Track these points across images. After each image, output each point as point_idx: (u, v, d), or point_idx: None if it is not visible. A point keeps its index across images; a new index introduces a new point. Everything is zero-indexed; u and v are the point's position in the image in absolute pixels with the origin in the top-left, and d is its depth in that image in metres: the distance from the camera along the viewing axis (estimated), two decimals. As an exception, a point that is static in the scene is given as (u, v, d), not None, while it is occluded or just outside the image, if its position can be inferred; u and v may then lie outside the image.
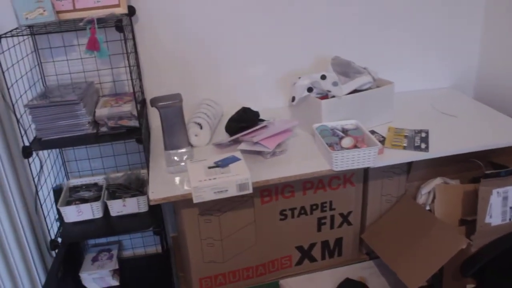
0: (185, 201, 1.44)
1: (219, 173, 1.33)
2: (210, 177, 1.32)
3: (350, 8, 1.85)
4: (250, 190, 1.34)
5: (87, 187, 1.72)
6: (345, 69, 1.72)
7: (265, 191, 1.53)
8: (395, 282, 1.69)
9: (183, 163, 1.44)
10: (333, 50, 1.90)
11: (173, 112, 1.40)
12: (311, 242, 1.69)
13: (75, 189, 1.72)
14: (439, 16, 1.94)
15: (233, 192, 1.32)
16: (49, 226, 1.67)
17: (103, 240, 1.93)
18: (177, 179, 1.41)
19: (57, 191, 1.71)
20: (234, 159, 1.40)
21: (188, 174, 1.35)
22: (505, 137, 1.57)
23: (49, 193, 1.74)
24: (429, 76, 2.05)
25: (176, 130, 1.40)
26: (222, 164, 1.38)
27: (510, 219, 1.50)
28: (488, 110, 1.82)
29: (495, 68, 1.96)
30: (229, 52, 1.81)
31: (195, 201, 1.31)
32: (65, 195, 1.67)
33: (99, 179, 1.76)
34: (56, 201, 1.68)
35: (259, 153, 1.52)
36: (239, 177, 1.31)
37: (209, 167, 1.37)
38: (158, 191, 1.36)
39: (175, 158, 1.43)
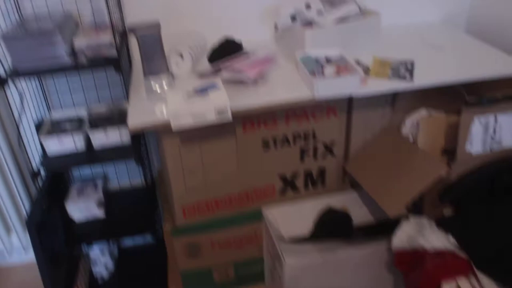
0: (166, 130, 1.44)
1: (198, 100, 1.32)
2: (189, 104, 1.31)
3: None
4: (229, 117, 1.33)
5: (70, 120, 1.71)
6: (330, -3, 1.68)
7: (247, 120, 1.53)
8: (376, 211, 1.72)
9: (162, 91, 1.42)
10: (319, -21, 1.84)
11: (152, 39, 1.38)
12: (294, 172, 1.70)
13: (57, 122, 1.71)
14: None
15: (211, 118, 1.31)
16: (32, 157, 1.66)
17: (88, 173, 1.94)
18: (156, 107, 1.40)
19: (39, 125, 1.70)
20: (214, 86, 1.38)
21: (167, 102, 1.34)
22: (491, 69, 1.54)
23: (29, 125, 1.73)
24: (419, 9, 2.00)
25: (155, 57, 1.38)
26: (201, 91, 1.36)
27: (490, 149, 1.51)
28: (479, 43, 1.79)
29: (489, 1, 1.92)
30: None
31: (174, 128, 1.31)
32: (47, 127, 1.66)
33: (82, 112, 1.75)
34: (38, 134, 1.67)
35: (241, 83, 1.51)
36: (218, 102, 1.30)
37: (188, 95, 1.35)
38: (137, 119, 1.35)
39: (155, 85, 1.42)
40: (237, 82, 1.51)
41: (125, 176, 1.97)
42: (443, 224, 1.48)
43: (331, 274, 1.60)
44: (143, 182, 1.98)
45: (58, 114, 1.74)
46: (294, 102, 1.43)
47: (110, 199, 1.89)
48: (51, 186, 1.72)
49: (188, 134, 1.48)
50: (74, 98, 1.80)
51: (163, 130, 1.43)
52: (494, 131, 1.47)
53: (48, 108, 1.79)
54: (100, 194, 1.80)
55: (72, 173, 1.93)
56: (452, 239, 1.42)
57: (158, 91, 1.42)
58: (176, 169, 1.54)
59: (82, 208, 1.78)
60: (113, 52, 1.43)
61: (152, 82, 1.42)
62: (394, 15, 1.99)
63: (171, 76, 1.48)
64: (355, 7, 1.63)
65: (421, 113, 1.64)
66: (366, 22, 1.66)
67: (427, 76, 1.53)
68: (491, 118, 1.45)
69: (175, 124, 1.29)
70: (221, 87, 1.37)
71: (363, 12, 1.68)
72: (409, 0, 1.98)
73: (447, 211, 1.55)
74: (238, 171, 1.62)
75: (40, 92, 1.76)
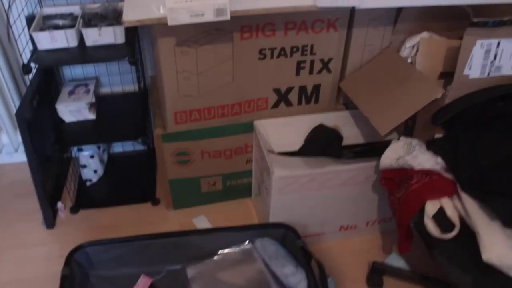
0: (162, 30, 1.40)
1: (197, -2, 1.27)
2: (187, 1, 1.26)
3: None
4: (228, 17, 1.29)
5: (62, 16, 1.65)
6: None
7: (245, 26, 1.49)
8: (368, 132, 1.72)
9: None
10: None
11: None
12: (288, 86, 1.68)
13: (49, 17, 1.65)
14: None
15: (209, 16, 1.27)
16: (21, 51, 1.62)
17: (80, 75, 1.90)
18: (153, 4, 1.35)
19: (30, 19, 1.65)
20: (214, -15, 1.33)
21: (164, -2, 1.29)
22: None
23: (20, 19, 1.66)
24: None
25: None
26: (201, -12, 1.31)
27: (488, 74, 1.49)
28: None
29: None
30: None
31: (170, 23, 1.27)
32: (38, 22, 1.61)
33: (75, 9, 1.68)
34: (29, 28, 1.62)
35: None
36: (218, 1, 1.26)
37: (187, -9, 1.30)
38: (133, 14, 1.31)
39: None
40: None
41: (118, 80, 1.94)
42: (432, 146, 1.48)
43: (317, 189, 1.62)
44: (135, 88, 1.96)
45: (50, 10, 1.68)
46: (295, 8, 1.38)
47: (102, 103, 1.87)
48: (41, 84, 1.69)
49: (185, 37, 1.44)
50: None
51: (159, 28, 1.39)
52: (495, 56, 1.45)
53: (40, 4, 1.72)
54: (92, 97, 1.78)
55: (63, 74, 1.90)
56: (440, 160, 1.43)
57: (155, -13, 1.36)
58: (170, 72, 1.51)
59: (73, 109, 1.76)
60: None
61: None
62: None
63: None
64: None
65: (422, 35, 1.61)
66: None
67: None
68: (494, 43, 1.42)
69: (171, 18, 1.25)
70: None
71: None
72: None
73: (438, 135, 1.55)
74: (233, 80, 1.59)
75: (32, -15, 1.68)
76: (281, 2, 1.38)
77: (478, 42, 1.41)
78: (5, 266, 1.71)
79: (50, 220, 1.81)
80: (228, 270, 1.60)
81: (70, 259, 1.51)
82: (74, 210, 1.88)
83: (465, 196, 1.34)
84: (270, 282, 1.55)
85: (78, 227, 1.84)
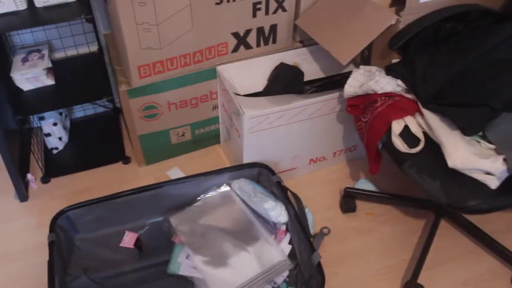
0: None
1: None
2: None
3: None
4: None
5: (4, -23, 1.58)
6: None
7: (200, -29, 1.49)
8: (326, 66, 1.79)
9: None
10: None
11: None
12: (246, 29, 1.71)
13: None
14: None
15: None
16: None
17: (30, 41, 1.84)
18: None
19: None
20: None
21: None
22: None
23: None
24: None
25: None
26: None
27: (435, -4, 1.57)
28: None
29: None
30: None
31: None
32: (-19, -14, 1.54)
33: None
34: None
35: None
36: None
37: None
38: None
39: None
40: None
41: (71, 42, 1.89)
42: (391, 70, 1.56)
43: (286, 124, 1.68)
44: (90, 49, 1.92)
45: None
46: None
47: (57, 68, 1.82)
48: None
49: (140, -13, 1.43)
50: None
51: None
52: (441, -23, 1.53)
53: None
54: (47, 61, 1.73)
55: (12, 41, 1.83)
56: (400, 83, 1.52)
57: None
58: (130, 26, 1.50)
59: (30, 77, 1.71)
60: None
61: None
62: None
63: None
64: None
65: (370, -35, 1.66)
66: None
67: None
68: (438, -37, 1.50)
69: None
70: None
71: None
72: None
73: (395, 60, 1.63)
74: (192, 28, 1.60)
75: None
76: None
77: (425, -35, 1.48)
78: (-16, 242, 1.69)
79: (22, 193, 1.79)
80: (210, 214, 1.65)
81: (54, 225, 1.51)
82: (45, 180, 1.86)
83: (426, 112, 1.44)
84: (252, 219, 1.62)
85: (52, 196, 1.83)
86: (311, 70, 1.77)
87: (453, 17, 1.56)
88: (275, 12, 1.70)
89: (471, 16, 1.56)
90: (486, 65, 1.41)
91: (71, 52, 1.91)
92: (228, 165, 1.94)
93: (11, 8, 1.51)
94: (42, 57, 1.75)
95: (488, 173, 1.30)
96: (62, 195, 1.83)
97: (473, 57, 1.43)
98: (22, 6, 1.51)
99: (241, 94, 1.66)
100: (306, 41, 1.83)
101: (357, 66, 1.65)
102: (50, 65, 1.74)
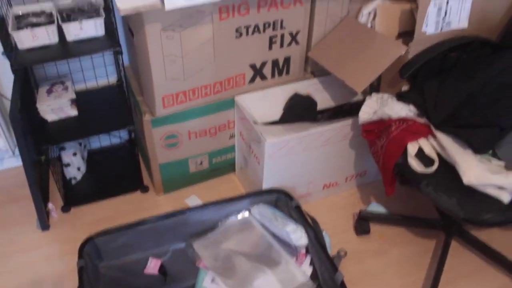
0: (149, 16, 1.47)
1: (188, -20, 1.36)
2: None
3: None
4: (218, -4, 1.39)
5: (35, 14, 1.66)
6: None
7: (223, 7, 1.59)
8: (336, 95, 1.89)
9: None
10: None
11: None
12: (262, 61, 1.81)
13: (22, 17, 1.65)
14: None
15: (202, -2, 1.37)
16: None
17: (54, 73, 1.91)
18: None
19: (0, 21, 1.64)
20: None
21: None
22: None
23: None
24: None
25: None
26: (188, -27, 1.40)
27: (441, 29, 1.69)
28: None
29: None
30: None
31: (167, 7, 1.35)
32: (13, 22, 1.61)
33: (46, 6, 1.69)
34: (0, 31, 1.61)
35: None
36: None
37: (176, -24, 1.39)
38: (125, 2, 1.37)
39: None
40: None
41: (92, 75, 1.96)
42: (402, 97, 1.67)
43: (303, 151, 1.76)
44: (109, 81, 1.99)
45: (20, 9, 1.68)
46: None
47: (80, 99, 1.89)
48: (23, 85, 1.69)
49: (170, 21, 1.52)
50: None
51: (147, 14, 1.46)
52: (446, 13, 1.66)
53: (8, 2, 1.71)
54: (72, 93, 1.80)
55: (36, 74, 1.89)
56: (412, 108, 1.62)
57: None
58: (157, 57, 1.58)
59: (55, 108, 1.77)
60: None
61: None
62: None
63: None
64: None
65: (377, 2, 1.79)
66: None
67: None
68: (444, 1, 1.63)
69: (168, 2, 1.33)
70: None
71: None
72: None
73: (405, 88, 1.74)
74: (214, 60, 1.69)
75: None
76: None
77: (432, 2, 1.61)
78: (11, 273, 1.70)
79: (44, 222, 1.82)
80: (231, 239, 1.69)
81: (82, 251, 1.54)
82: (65, 209, 1.90)
83: (439, 134, 1.53)
84: (273, 243, 1.67)
85: (73, 225, 1.86)
86: (323, 99, 1.86)
87: (456, 48, 1.69)
88: (289, 45, 1.81)
89: (472, 47, 1.69)
90: (492, 89, 1.52)
91: (92, 84, 1.98)
92: (243, 192, 2.00)
93: (45, 41, 1.58)
94: (66, 88, 1.82)
95: (501, 188, 1.40)
96: (82, 224, 1.86)
97: (480, 82, 1.55)
98: (55, 39, 1.59)
99: (259, 122, 1.74)
100: (317, 72, 1.94)
101: (365, 95, 1.75)
102: (74, 96, 1.80)
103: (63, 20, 1.60)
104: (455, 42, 1.68)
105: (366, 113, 1.68)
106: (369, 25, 1.79)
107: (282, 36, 1.78)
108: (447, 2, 1.63)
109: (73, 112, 1.81)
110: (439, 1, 1.62)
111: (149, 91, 1.70)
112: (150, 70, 1.61)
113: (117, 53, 1.59)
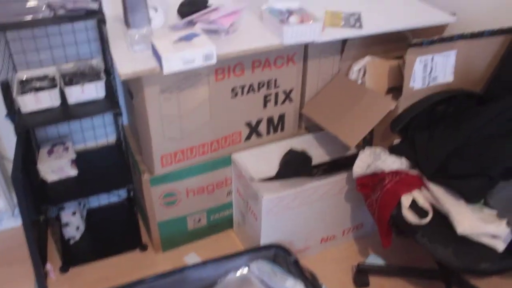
0: (148, 79, 1.53)
1: (186, 46, 1.43)
2: (178, 49, 1.42)
3: None
4: (214, 61, 1.46)
5: (38, 79, 1.73)
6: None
7: (219, 69, 1.66)
8: (330, 151, 1.94)
9: (146, 42, 1.51)
10: None
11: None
12: (258, 119, 1.87)
13: (26, 81, 1.72)
14: None
15: (199, 62, 1.44)
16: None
17: (54, 134, 1.95)
18: (143, 55, 1.49)
19: (5, 85, 1.70)
20: (196, 35, 1.50)
21: (157, 48, 1.43)
22: (424, 19, 1.83)
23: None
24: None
25: (139, 9, 1.46)
26: (186, 39, 1.47)
27: (428, 84, 1.77)
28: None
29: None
30: None
31: (165, 71, 1.41)
32: (18, 87, 1.67)
33: (49, 70, 1.77)
34: (5, 95, 1.67)
35: (214, 33, 1.63)
36: (205, 48, 1.43)
37: (175, 43, 1.46)
38: (126, 67, 1.44)
39: (138, 36, 1.50)
40: (210, 33, 1.63)
41: (91, 136, 2.01)
42: (394, 150, 1.72)
43: (299, 206, 1.79)
44: (108, 141, 2.04)
45: (25, 74, 1.74)
46: (265, 48, 1.59)
47: (79, 160, 1.92)
48: (24, 147, 1.73)
49: (168, 83, 1.58)
50: (41, 56, 1.80)
51: (146, 78, 1.53)
52: (431, 69, 1.74)
53: (14, 67, 1.77)
54: (72, 153, 1.84)
55: (36, 136, 1.94)
56: (404, 160, 1.67)
57: (142, 41, 1.50)
58: (156, 118, 1.64)
59: (55, 168, 1.81)
60: (93, 5, 1.49)
61: (135, 33, 1.49)
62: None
63: (151, 27, 1.56)
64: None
65: (366, 60, 1.87)
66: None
67: (372, 24, 1.76)
68: (429, 58, 1.71)
69: (167, 67, 1.40)
70: (203, 35, 1.50)
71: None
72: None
73: (397, 141, 1.80)
74: (210, 119, 1.75)
75: (6, 52, 1.74)
76: (252, 44, 1.58)
77: (418, 59, 1.69)
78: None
79: (42, 283, 1.81)
80: (231, 296, 1.70)
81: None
82: (64, 269, 1.89)
83: (431, 185, 1.58)
84: (272, 299, 1.67)
85: (71, 286, 1.85)
86: (317, 154, 1.91)
87: (443, 101, 1.76)
88: (283, 102, 1.88)
89: (458, 99, 1.76)
90: (479, 140, 1.58)
91: (91, 144, 2.03)
92: (242, 248, 2.01)
93: (47, 104, 1.64)
94: (66, 149, 1.86)
95: (494, 236, 1.42)
96: (81, 285, 1.85)
97: (466, 134, 1.61)
98: (57, 103, 1.65)
99: (256, 179, 1.78)
100: (311, 128, 2.00)
101: (359, 149, 1.80)
102: (74, 156, 1.84)
103: (66, 84, 1.67)
104: (442, 96, 1.75)
105: (360, 167, 1.72)
106: (359, 81, 1.86)
107: (276, 95, 1.85)
108: (432, 59, 1.71)
109: (73, 172, 1.84)
110: (424, 58, 1.70)
111: (148, 151, 1.75)
112: (149, 130, 1.66)
113: (117, 115, 1.65)
